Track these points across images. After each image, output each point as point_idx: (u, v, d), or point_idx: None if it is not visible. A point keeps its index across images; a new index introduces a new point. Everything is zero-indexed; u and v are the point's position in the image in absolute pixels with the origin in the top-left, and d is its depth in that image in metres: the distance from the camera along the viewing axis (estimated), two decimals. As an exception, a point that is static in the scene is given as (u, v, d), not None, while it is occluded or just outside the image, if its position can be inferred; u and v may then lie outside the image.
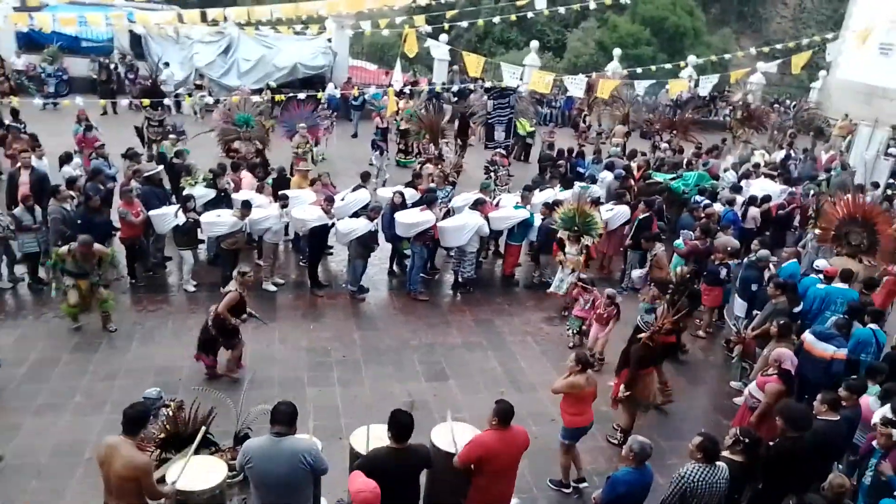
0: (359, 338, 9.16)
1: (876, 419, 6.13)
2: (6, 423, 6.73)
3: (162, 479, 4.92)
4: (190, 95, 17.86)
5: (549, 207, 10.56)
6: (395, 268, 11.18)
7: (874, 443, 5.98)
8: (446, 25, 20.88)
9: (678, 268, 9.50)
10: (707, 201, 12.15)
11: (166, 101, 15.01)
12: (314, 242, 10.27)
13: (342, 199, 10.81)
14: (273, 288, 10.16)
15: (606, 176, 13.56)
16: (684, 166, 14.80)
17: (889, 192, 15.29)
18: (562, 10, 22.47)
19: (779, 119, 22.61)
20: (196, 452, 5.37)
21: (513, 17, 22.96)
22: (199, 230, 10.01)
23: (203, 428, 5.38)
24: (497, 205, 11.38)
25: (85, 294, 8.56)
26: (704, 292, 9.84)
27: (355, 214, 10.46)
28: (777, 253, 10.63)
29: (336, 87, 20.13)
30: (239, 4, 21.84)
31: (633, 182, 13.10)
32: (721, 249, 9.74)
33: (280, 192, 10.51)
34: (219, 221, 9.67)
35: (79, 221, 9.32)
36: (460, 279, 10.76)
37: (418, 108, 16.62)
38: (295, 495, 4.67)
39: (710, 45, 34.66)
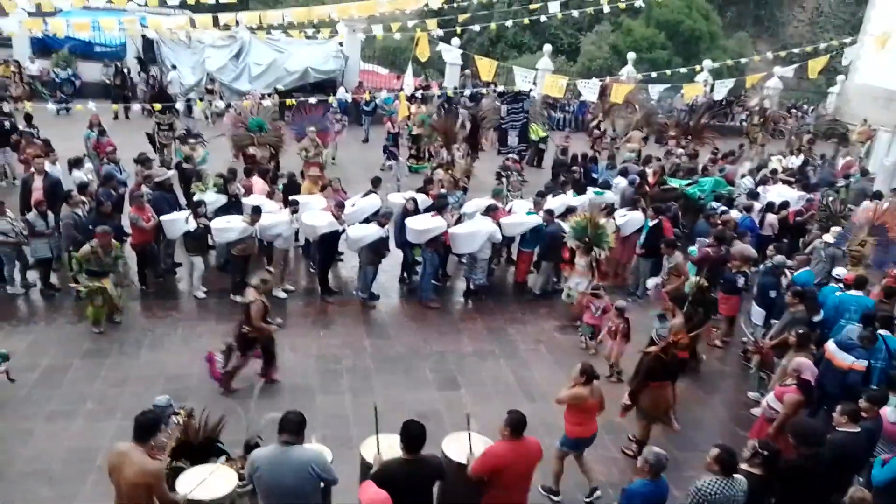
0: (369, 345, 9.10)
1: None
2: (19, 429, 6.74)
3: (173, 488, 4.88)
4: (201, 100, 17.91)
5: (551, 214, 10.43)
6: (405, 275, 11.10)
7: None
8: (458, 29, 20.83)
9: (693, 278, 9.34)
10: (723, 208, 11.99)
11: (177, 105, 15.04)
12: (325, 249, 10.22)
13: (353, 205, 10.76)
14: (283, 295, 10.11)
15: (620, 182, 13.43)
16: (700, 172, 14.63)
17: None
18: (575, 13, 22.34)
19: (796, 124, 22.40)
20: (206, 462, 5.34)
21: (526, 21, 22.93)
22: (209, 236, 9.99)
23: (224, 458, 5.32)
24: (509, 211, 11.28)
25: (108, 293, 8.63)
26: (721, 301, 9.70)
27: (366, 220, 10.39)
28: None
29: (347, 92, 20.14)
30: (251, 9, 21.89)
31: (647, 188, 12.96)
32: (738, 257, 9.58)
33: (290, 198, 10.48)
34: (229, 227, 9.65)
35: (90, 227, 9.32)
36: (472, 286, 10.67)
37: (430, 113, 16.59)
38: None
39: (726, 49, 34.40)
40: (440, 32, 19.31)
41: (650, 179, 13.52)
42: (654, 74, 19.29)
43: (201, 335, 8.90)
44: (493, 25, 23.26)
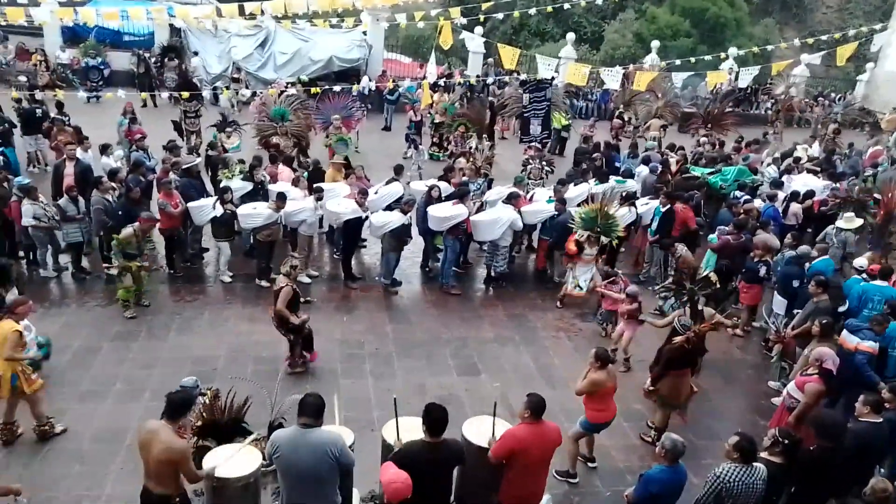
0: (391, 331, 9.21)
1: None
2: (53, 409, 6.93)
3: (200, 466, 5.03)
4: (227, 88, 18.09)
5: (563, 202, 10.42)
6: (427, 262, 11.18)
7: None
8: (482, 17, 20.77)
9: (707, 267, 9.29)
10: (746, 197, 11.89)
11: (203, 92, 15.23)
12: (348, 235, 10.35)
13: (376, 193, 10.86)
14: (307, 280, 10.25)
15: (643, 170, 13.36)
16: (723, 161, 14.49)
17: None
18: (599, 1, 22.16)
19: (823, 113, 22.02)
20: (232, 441, 5.49)
21: (549, 9, 22.80)
22: (235, 222, 10.15)
23: (256, 434, 5.46)
24: (531, 199, 11.30)
25: (136, 276, 8.89)
26: (742, 290, 9.67)
27: (389, 207, 10.49)
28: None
29: (371, 80, 20.21)
30: (276, -2, 21.98)
31: (670, 176, 12.89)
32: (760, 246, 9.52)
33: (315, 185, 10.60)
34: (255, 213, 9.80)
35: (119, 212, 9.54)
36: (493, 273, 10.73)
37: (453, 101, 16.59)
38: (321, 487, 4.70)
39: (752, 36, 33.81)
40: (463, 21, 19.28)
41: (673, 168, 13.44)
42: (678, 62, 19.07)
43: (227, 319, 9.08)
44: (516, 13, 23.15)
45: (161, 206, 9.84)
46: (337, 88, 15.39)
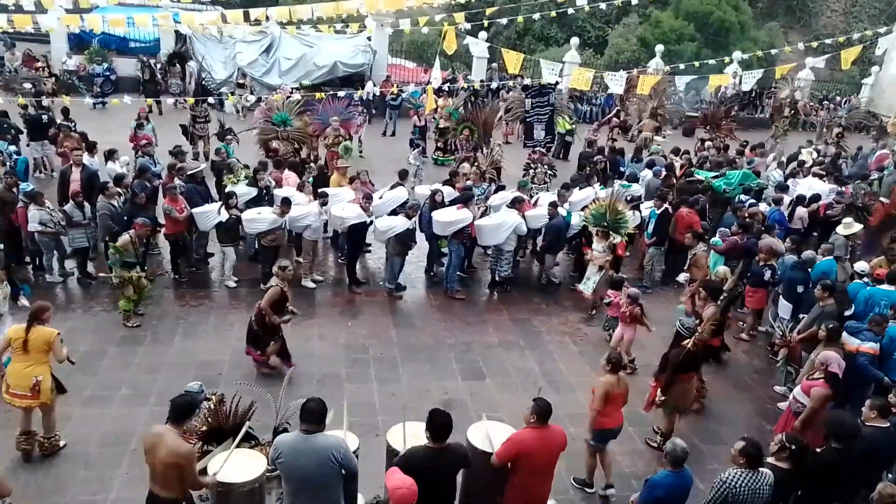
0: (396, 335, 9.21)
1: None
2: (58, 414, 6.92)
3: (204, 471, 5.03)
4: (232, 94, 18.18)
5: (555, 206, 10.41)
6: (432, 266, 11.19)
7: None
8: (486, 22, 20.81)
9: (718, 269, 9.29)
10: (752, 201, 11.87)
11: (210, 99, 15.30)
12: (353, 240, 10.37)
13: (380, 197, 10.87)
14: (312, 285, 10.28)
15: (647, 174, 13.36)
16: (728, 165, 14.48)
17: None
18: (603, 5, 22.16)
19: (828, 116, 21.97)
20: (237, 446, 5.49)
21: (553, 14, 22.78)
22: (240, 227, 10.18)
23: (246, 423, 5.48)
24: (535, 203, 11.31)
25: (137, 284, 8.84)
26: (748, 294, 9.65)
27: (393, 212, 10.51)
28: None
29: (375, 85, 20.27)
30: (281, 4, 22.12)
31: (674, 180, 12.88)
32: (766, 250, 9.50)
33: (320, 190, 10.63)
34: (259, 218, 9.82)
35: (125, 218, 9.58)
36: (497, 278, 10.73)
37: (457, 106, 16.61)
38: (324, 491, 4.70)
39: (757, 40, 33.72)
40: (467, 26, 19.28)
41: (678, 172, 13.44)
42: (682, 66, 19.07)
43: (233, 324, 9.10)
44: (520, 18, 23.21)
45: (166, 212, 9.88)
46: (342, 94, 15.43)
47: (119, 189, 10.10)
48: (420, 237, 10.70)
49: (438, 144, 17.37)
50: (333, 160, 12.78)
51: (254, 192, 10.71)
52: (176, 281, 10.18)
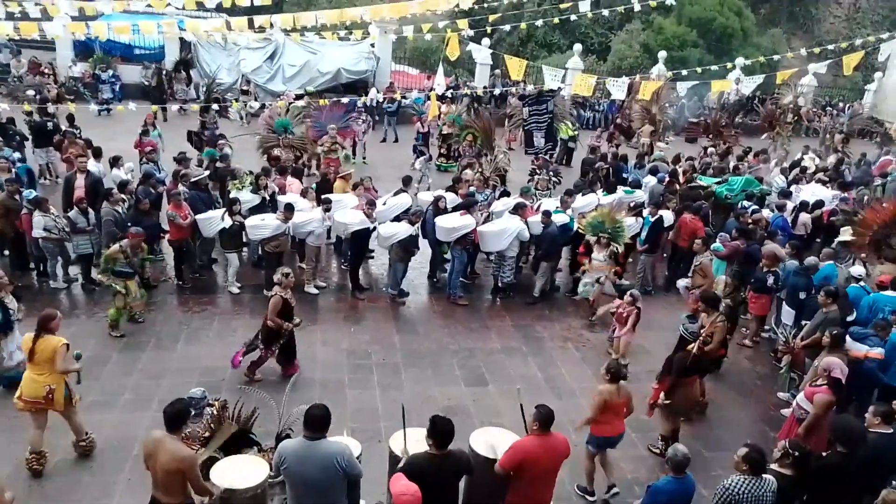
0: (398, 341, 9.21)
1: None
2: (60, 419, 6.94)
3: (207, 477, 5.03)
4: (237, 101, 18.25)
5: (548, 215, 10.33)
6: (434, 272, 11.20)
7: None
8: (489, 29, 20.85)
9: (719, 276, 9.28)
10: (755, 207, 11.86)
11: (214, 105, 15.37)
12: (356, 246, 10.39)
13: (384, 204, 10.91)
14: (315, 291, 10.29)
15: (650, 180, 13.36)
16: (731, 171, 14.48)
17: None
18: (606, 12, 22.22)
19: (831, 122, 21.96)
20: (238, 452, 5.50)
21: (556, 20, 22.88)
22: (244, 233, 10.21)
23: (234, 425, 5.47)
24: (537, 209, 11.31)
25: (132, 294, 8.82)
26: (751, 300, 9.63)
27: (397, 218, 10.53)
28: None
29: (379, 92, 20.33)
30: (285, 11, 22.24)
31: (677, 186, 12.88)
32: (769, 256, 9.48)
33: (323, 196, 10.66)
34: (263, 225, 9.86)
35: (129, 224, 9.61)
36: (500, 284, 10.73)
37: (460, 112, 16.65)
38: (328, 497, 4.71)
39: (760, 46, 33.77)
40: (470, 32, 19.34)
41: (680, 178, 13.45)
42: (684, 72, 19.10)
43: (236, 329, 9.12)
44: (523, 25, 23.22)
45: (170, 218, 9.91)
46: (345, 100, 15.49)
47: (123, 195, 10.16)
48: (423, 243, 10.71)
49: (442, 151, 17.40)
50: (330, 167, 12.79)
51: (257, 199, 10.74)
52: (179, 287, 10.21)
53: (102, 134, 14.31)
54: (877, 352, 7.31)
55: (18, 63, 20.40)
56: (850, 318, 8.29)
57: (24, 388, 6.25)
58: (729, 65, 24.14)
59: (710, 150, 16.40)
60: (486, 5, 19.68)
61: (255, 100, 19.00)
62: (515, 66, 17.08)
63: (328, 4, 25.28)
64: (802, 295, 8.93)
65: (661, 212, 11.40)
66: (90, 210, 9.82)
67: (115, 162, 11.79)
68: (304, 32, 21.21)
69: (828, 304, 8.10)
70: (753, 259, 9.73)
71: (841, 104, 27.69)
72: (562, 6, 18.72)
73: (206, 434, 5.63)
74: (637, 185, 12.98)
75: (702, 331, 7.28)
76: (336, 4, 21.71)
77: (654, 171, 13.77)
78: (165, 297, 9.87)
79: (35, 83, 19.01)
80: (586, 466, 6.54)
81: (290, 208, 9.87)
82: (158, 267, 10.63)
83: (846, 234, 10.64)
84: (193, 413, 5.75)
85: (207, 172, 11.48)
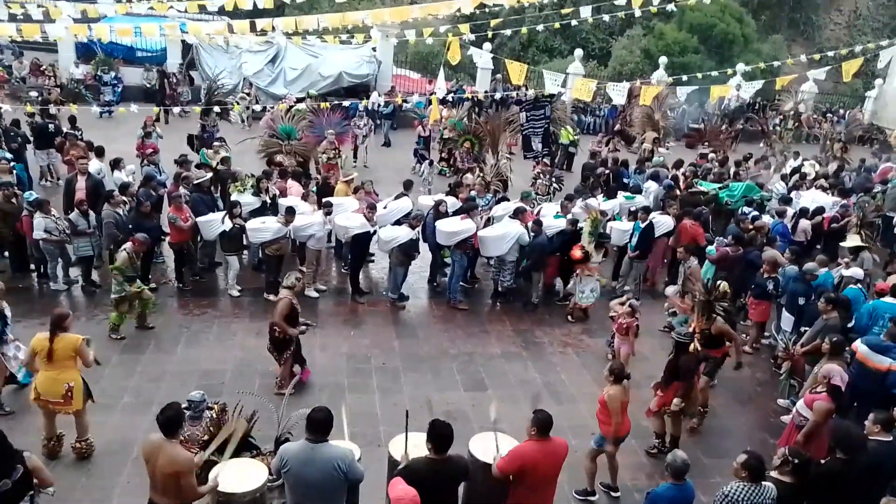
0: (398, 345, 9.21)
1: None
2: (60, 421, 6.94)
3: (205, 480, 5.03)
4: (238, 104, 18.29)
5: (539, 224, 10.28)
6: (434, 277, 11.20)
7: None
8: (490, 34, 20.94)
9: (706, 279, 9.27)
10: (755, 213, 11.87)
11: (216, 108, 15.39)
12: (356, 249, 10.40)
13: (384, 207, 10.91)
14: (315, 294, 10.29)
15: (651, 186, 13.38)
16: (731, 177, 14.50)
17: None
18: (606, 17, 22.27)
19: (831, 129, 22.01)
20: (237, 455, 5.49)
21: (557, 25, 22.90)
22: (244, 236, 10.22)
23: (234, 432, 5.46)
24: (538, 214, 11.32)
25: (134, 298, 8.83)
26: (751, 306, 9.63)
27: (397, 222, 10.54)
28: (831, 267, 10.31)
29: (380, 96, 20.37)
30: (287, 15, 22.29)
31: (678, 191, 12.90)
32: (769, 262, 9.49)
33: (324, 200, 10.67)
34: (264, 228, 9.86)
35: (130, 226, 9.62)
36: (500, 289, 10.73)
37: (461, 117, 16.68)
38: (328, 501, 4.72)
39: (760, 52, 33.84)
40: (472, 37, 19.41)
41: (681, 184, 13.47)
42: (684, 78, 19.15)
43: (236, 333, 9.12)
44: (524, 30, 23.30)
45: (171, 220, 9.92)
46: (346, 104, 15.52)
47: (124, 197, 10.16)
48: (423, 247, 10.72)
49: (442, 155, 17.42)
50: (330, 172, 12.80)
51: (258, 202, 10.74)
52: (179, 290, 10.21)
53: (104, 136, 14.32)
54: None
55: (20, 65, 20.45)
56: (849, 325, 8.29)
57: (42, 387, 6.30)
58: (729, 71, 24.21)
59: (711, 155, 16.42)
60: (487, 10, 19.73)
61: (257, 102, 19.03)
62: (516, 71, 17.12)
63: (330, 8, 25.33)
64: (802, 301, 8.94)
65: (655, 216, 11.40)
66: (91, 212, 9.82)
67: (117, 164, 11.80)
68: (305, 36, 21.26)
69: (828, 310, 8.10)
70: (753, 265, 9.73)
71: (841, 111, 27.74)
72: (563, 11, 18.81)
73: (206, 437, 5.63)
74: (637, 190, 13.00)
75: (694, 332, 7.32)
76: (338, 8, 21.75)
77: (654, 177, 13.79)
78: (165, 300, 9.86)
79: (37, 84, 19.06)
80: (588, 466, 6.56)
81: (291, 212, 9.87)
82: (159, 270, 10.63)
83: (855, 240, 10.63)
84: (192, 416, 5.77)
85: (210, 175, 11.48)
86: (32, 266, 10.16)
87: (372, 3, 35.10)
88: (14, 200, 9.78)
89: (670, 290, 9.74)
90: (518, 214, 10.51)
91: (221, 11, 17.86)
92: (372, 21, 17.91)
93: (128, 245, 8.83)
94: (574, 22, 21.36)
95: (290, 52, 21.65)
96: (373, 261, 11.60)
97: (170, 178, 11.72)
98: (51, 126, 13.93)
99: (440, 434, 4.76)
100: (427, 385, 8.31)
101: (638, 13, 19.37)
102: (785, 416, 7.83)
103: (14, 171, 11.24)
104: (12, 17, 15.50)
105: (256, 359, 8.40)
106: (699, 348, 7.21)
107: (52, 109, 14.67)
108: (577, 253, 10.07)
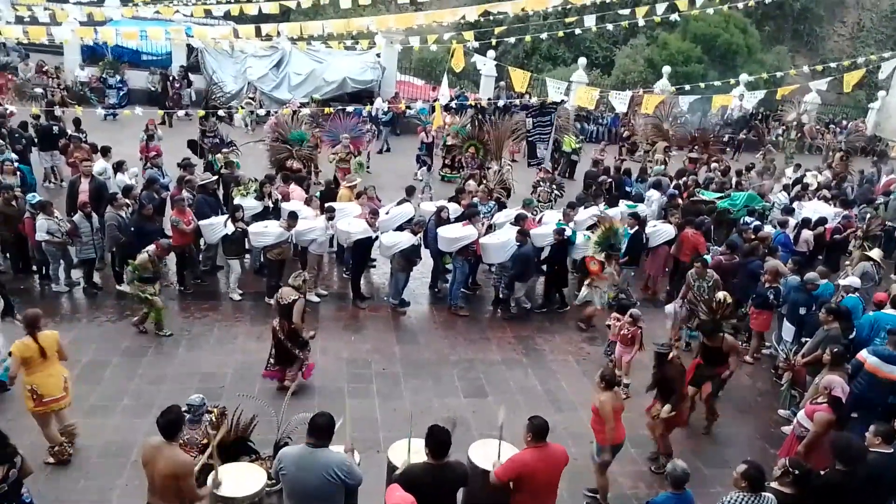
0: (399, 351, 9.20)
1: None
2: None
3: (203, 483, 5.02)
4: (242, 108, 18.35)
5: (524, 234, 10.12)
6: (436, 283, 11.19)
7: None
8: (494, 41, 20.99)
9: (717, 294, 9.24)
10: (757, 223, 11.87)
11: (220, 112, 15.45)
12: (358, 255, 10.40)
13: (387, 213, 10.93)
14: (316, 299, 10.29)
15: (653, 194, 13.38)
16: (733, 186, 14.51)
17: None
18: (610, 26, 22.36)
19: (834, 140, 22.05)
20: (236, 460, 5.49)
21: (560, 34, 23.00)
22: (246, 240, 10.23)
23: (217, 434, 5.46)
24: (540, 221, 11.33)
25: (157, 299, 8.94)
26: (752, 315, 9.61)
27: (399, 228, 10.55)
28: (833, 278, 10.30)
29: (384, 102, 20.41)
30: (292, 20, 22.39)
31: (680, 200, 12.91)
32: (771, 272, 9.48)
33: (327, 205, 10.68)
34: (266, 232, 9.88)
35: (132, 229, 9.64)
36: (501, 295, 10.72)
37: (464, 124, 16.71)
38: None
39: (764, 63, 33.95)
40: (476, 44, 19.45)
41: (683, 192, 13.48)
42: (687, 87, 19.19)
43: (236, 336, 9.12)
44: (528, 38, 23.40)
45: (174, 223, 9.94)
46: (350, 109, 15.57)
47: (127, 200, 10.18)
48: (425, 253, 10.73)
49: (446, 161, 17.45)
50: (343, 177, 12.84)
51: (260, 206, 10.76)
52: (181, 293, 10.22)
53: (108, 138, 14.31)
54: None
55: (26, 66, 20.53)
56: (850, 337, 8.27)
57: (43, 388, 6.33)
58: (732, 81, 24.27)
59: (714, 165, 16.43)
60: (491, 18, 19.82)
61: (261, 107, 19.09)
62: (519, 79, 17.16)
63: (335, 14, 25.42)
64: (803, 311, 8.93)
65: (656, 224, 11.42)
66: (94, 214, 9.84)
67: (120, 167, 11.84)
68: (310, 41, 21.34)
69: (829, 321, 8.08)
70: (754, 275, 9.72)
71: (844, 122, 27.79)
72: (567, 20, 18.87)
73: (205, 441, 5.62)
74: (640, 198, 13.00)
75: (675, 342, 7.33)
76: (343, 14, 21.80)
77: (656, 185, 13.79)
78: (167, 303, 9.82)
79: (40, 82, 19.17)
80: (600, 481, 6.51)
81: (293, 216, 9.89)
82: (161, 272, 10.63)
83: (877, 255, 10.58)
84: (192, 420, 5.76)
85: (216, 177, 11.51)
86: (35, 268, 10.16)
87: (377, 9, 35.25)
88: (15, 203, 9.80)
89: (669, 308, 9.73)
90: (519, 221, 10.51)
91: (227, 16, 17.97)
92: (376, 27, 17.99)
93: (150, 248, 8.88)
94: (578, 31, 21.41)
95: (294, 58, 21.72)
96: (374, 266, 11.61)
97: (173, 181, 11.75)
98: (55, 128, 13.99)
99: (438, 439, 4.75)
100: (427, 391, 8.31)
101: (641, 22, 19.48)
102: (785, 426, 7.82)
103: (18, 173, 11.27)
104: (19, 20, 15.60)
105: (257, 363, 8.39)
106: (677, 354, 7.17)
107: (57, 111, 14.72)
108: (593, 267, 10.10)
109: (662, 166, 16.06)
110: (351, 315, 10.12)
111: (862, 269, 10.48)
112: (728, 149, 23.37)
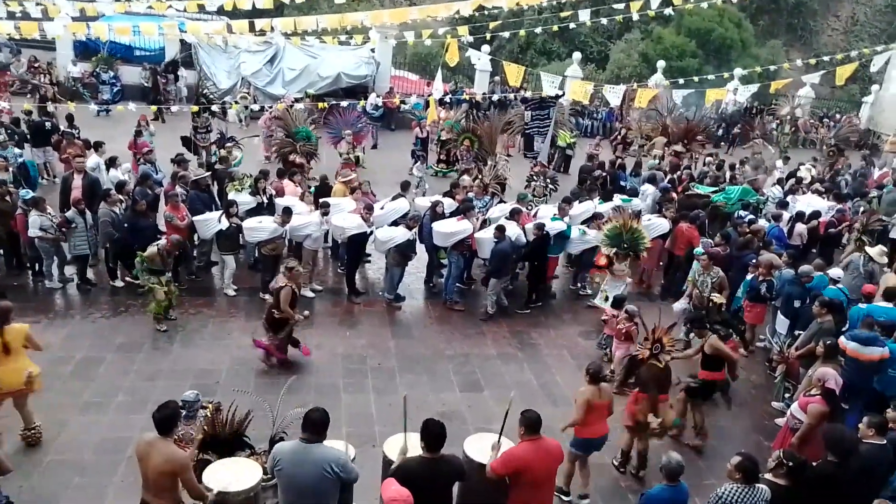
0: (394, 346, 9.21)
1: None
2: (54, 420, 6.95)
3: (200, 480, 5.02)
4: (236, 103, 18.29)
5: (501, 231, 9.96)
6: (431, 277, 11.20)
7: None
8: (488, 36, 20.97)
9: (713, 295, 9.24)
10: (751, 216, 11.90)
11: (213, 107, 15.39)
12: (353, 250, 10.39)
13: (382, 208, 10.90)
14: (311, 294, 10.28)
15: (647, 189, 13.40)
16: (727, 180, 14.54)
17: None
18: (605, 21, 22.36)
19: (827, 134, 22.11)
20: (231, 455, 5.49)
21: (555, 28, 22.97)
22: (241, 235, 10.21)
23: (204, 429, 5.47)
24: (535, 216, 11.33)
25: (167, 290, 8.96)
26: (746, 309, 9.64)
27: (394, 223, 10.54)
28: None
29: (378, 97, 20.38)
30: (286, 15, 22.31)
31: (675, 194, 12.92)
32: (765, 265, 9.51)
33: (321, 200, 10.67)
34: (260, 227, 9.86)
35: (126, 224, 9.61)
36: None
37: (458, 119, 16.71)
38: (320, 502, 4.70)
39: (758, 57, 33.95)
40: (470, 39, 19.44)
41: (677, 186, 13.50)
42: (681, 82, 19.21)
43: (231, 332, 9.11)
44: (522, 32, 23.39)
45: (168, 219, 9.91)
46: (344, 104, 15.55)
47: (121, 196, 10.14)
48: (420, 248, 10.72)
49: (440, 156, 17.44)
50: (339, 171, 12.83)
51: (255, 201, 10.74)
52: (175, 288, 10.17)
53: (101, 134, 14.27)
54: (888, 351, 7.34)
55: (18, 63, 20.41)
56: (843, 329, 8.30)
57: (3, 381, 6.37)
58: (726, 75, 24.29)
59: (709, 159, 16.45)
60: (486, 12, 19.80)
61: (255, 102, 19.03)
62: (514, 73, 17.17)
63: (329, 9, 25.36)
64: (797, 304, 8.97)
65: (655, 219, 11.43)
66: (87, 210, 9.80)
67: (112, 162, 11.79)
68: (304, 36, 21.27)
69: (822, 314, 8.13)
70: (747, 269, 9.75)
71: (838, 115, 27.85)
72: (561, 14, 18.86)
73: (199, 436, 5.62)
74: (634, 193, 13.01)
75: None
76: (337, 9, 21.77)
77: (651, 180, 13.81)
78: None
79: (30, 77, 19.09)
80: (566, 467, 6.46)
81: (287, 212, 9.87)
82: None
83: (882, 256, 10.59)
84: (187, 415, 5.76)
85: (209, 173, 11.48)
86: (28, 264, 10.12)
87: (371, 4, 35.17)
88: (7, 198, 9.75)
89: (677, 306, 9.70)
90: (514, 216, 10.52)
91: (220, 11, 17.87)
92: (371, 22, 17.97)
93: (161, 242, 8.96)
94: (572, 25, 21.37)
95: (288, 53, 21.65)
96: (369, 261, 11.60)
97: (166, 176, 11.71)
98: (48, 124, 13.93)
99: (433, 433, 4.75)
100: (423, 386, 8.31)
101: (636, 17, 19.46)
102: (779, 418, 7.85)
103: (10, 169, 11.22)
104: (11, 15, 15.48)
105: (251, 358, 8.41)
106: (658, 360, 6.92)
107: (50, 107, 14.65)
108: (601, 261, 10.10)
109: (657, 161, 16.07)
110: (346, 310, 10.11)
111: (848, 260, 10.52)
112: (722, 143, 23.43)
